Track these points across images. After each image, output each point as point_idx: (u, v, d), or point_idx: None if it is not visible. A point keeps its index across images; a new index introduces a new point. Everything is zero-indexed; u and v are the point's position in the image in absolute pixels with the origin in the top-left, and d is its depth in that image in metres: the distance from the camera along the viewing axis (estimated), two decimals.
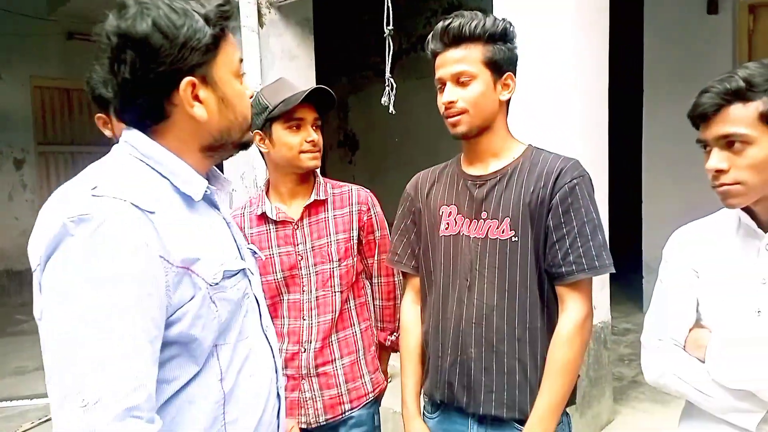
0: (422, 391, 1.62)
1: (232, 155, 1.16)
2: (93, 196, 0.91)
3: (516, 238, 1.43)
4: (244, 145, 1.14)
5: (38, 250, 0.91)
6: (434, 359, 1.55)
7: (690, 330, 1.31)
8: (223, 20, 1.03)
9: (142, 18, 0.96)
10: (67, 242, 0.88)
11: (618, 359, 4.05)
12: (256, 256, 1.28)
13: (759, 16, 4.39)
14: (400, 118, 3.32)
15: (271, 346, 1.20)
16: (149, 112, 1.02)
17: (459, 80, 1.43)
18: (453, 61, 1.43)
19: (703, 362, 1.24)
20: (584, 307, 1.43)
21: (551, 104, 2.77)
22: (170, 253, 0.94)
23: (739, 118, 1.15)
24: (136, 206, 0.92)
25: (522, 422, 1.42)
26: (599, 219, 1.43)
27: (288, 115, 1.70)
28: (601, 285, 3.10)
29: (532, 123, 2.76)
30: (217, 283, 1.01)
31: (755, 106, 1.14)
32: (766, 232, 1.22)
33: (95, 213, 0.88)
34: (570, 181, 1.41)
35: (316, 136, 1.74)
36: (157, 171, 1.02)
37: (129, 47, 0.96)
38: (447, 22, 1.44)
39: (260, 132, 1.72)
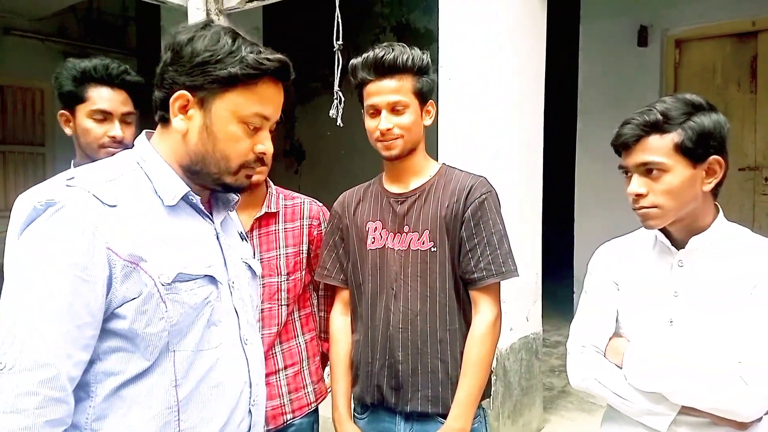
0: (352, 395, 1.70)
1: (221, 192, 1.19)
2: (66, 186, 1.01)
3: (435, 249, 1.56)
4: (231, 188, 1.16)
5: (15, 233, 1.01)
6: (364, 365, 1.65)
7: (610, 338, 1.42)
8: (253, 69, 1.08)
9: (189, 33, 1.10)
10: (33, 223, 0.98)
11: (549, 370, 4.20)
12: (252, 271, 1.30)
13: (684, 50, 4.73)
14: (348, 131, 3.36)
15: (248, 360, 1.19)
16: (160, 110, 1.13)
17: (394, 108, 1.54)
18: (389, 90, 1.54)
19: (621, 368, 1.35)
20: (494, 309, 1.57)
21: (489, 125, 2.86)
22: (120, 246, 0.99)
23: (656, 147, 1.27)
24: (97, 198, 1.00)
25: (444, 416, 1.54)
26: (505, 230, 1.59)
27: None
28: (534, 299, 3.23)
29: (468, 145, 2.85)
30: (169, 284, 1.03)
31: (671, 138, 1.26)
32: (678, 250, 1.34)
33: (58, 199, 0.98)
34: (480, 197, 1.56)
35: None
36: (145, 173, 1.10)
37: (169, 48, 1.11)
38: (381, 53, 1.54)
39: None
